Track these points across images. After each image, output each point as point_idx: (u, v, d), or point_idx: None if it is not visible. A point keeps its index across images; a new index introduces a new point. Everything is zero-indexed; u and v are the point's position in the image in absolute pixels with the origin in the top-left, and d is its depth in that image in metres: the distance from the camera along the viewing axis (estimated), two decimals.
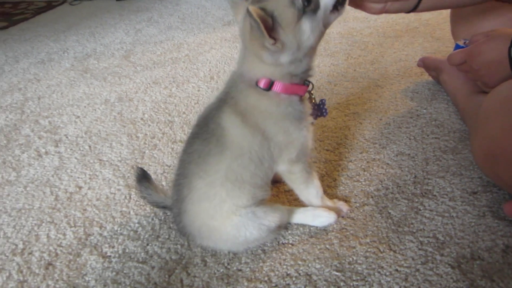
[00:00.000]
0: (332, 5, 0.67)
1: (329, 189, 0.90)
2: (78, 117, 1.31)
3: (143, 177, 0.86)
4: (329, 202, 0.84)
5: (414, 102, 1.19)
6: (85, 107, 1.37)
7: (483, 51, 0.86)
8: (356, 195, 0.88)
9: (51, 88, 1.53)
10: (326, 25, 0.69)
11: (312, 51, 0.70)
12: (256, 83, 0.71)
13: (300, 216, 0.82)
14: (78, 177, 1.02)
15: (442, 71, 1.18)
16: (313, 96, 0.78)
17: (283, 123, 0.73)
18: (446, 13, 1.35)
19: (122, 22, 2.28)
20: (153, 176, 0.99)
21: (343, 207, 0.84)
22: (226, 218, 0.74)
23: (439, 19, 1.76)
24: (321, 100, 0.80)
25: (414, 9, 0.87)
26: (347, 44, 1.62)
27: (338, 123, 1.13)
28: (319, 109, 0.80)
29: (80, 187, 0.99)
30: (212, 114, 0.74)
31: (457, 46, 0.99)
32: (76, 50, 1.90)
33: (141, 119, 1.26)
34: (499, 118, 0.74)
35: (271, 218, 0.76)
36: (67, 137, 1.20)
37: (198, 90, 1.39)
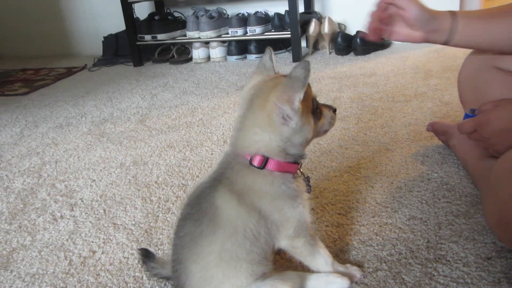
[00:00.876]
0: (326, 130, 0.80)
1: (342, 254, 0.89)
2: (94, 180, 1.34)
3: (147, 257, 0.85)
4: (341, 268, 0.82)
5: (424, 166, 1.20)
6: (100, 170, 1.40)
7: (492, 120, 0.88)
8: (369, 260, 0.87)
9: (68, 152, 1.58)
10: (317, 134, 0.78)
11: (308, 142, 0.77)
12: (250, 162, 0.73)
13: (314, 283, 0.80)
14: (92, 241, 1.03)
15: (451, 136, 1.20)
16: (301, 172, 0.79)
17: (278, 202, 0.74)
18: (454, 78, 1.39)
19: (138, 87, 2.36)
20: (165, 241, 1.00)
21: (357, 272, 0.83)
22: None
23: (447, 85, 1.81)
24: (307, 176, 0.81)
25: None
26: (357, 109, 1.66)
27: (349, 187, 1.14)
28: (307, 184, 0.81)
29: (94, 252, 0.99)
30: (205, 194, 0.73)
31: (466, 116, 1.01)
32: (93, 115, 1.97)
33: (155, 182, 1.28)
34: (510, 185, 0.74)
35: None
36: (82, 201, 1.22)
37: (212, 154, 1.42)
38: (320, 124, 0.77)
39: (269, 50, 0.79)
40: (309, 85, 0.70)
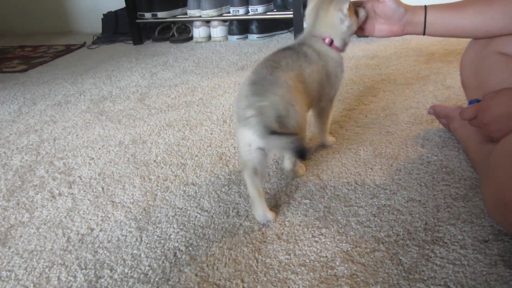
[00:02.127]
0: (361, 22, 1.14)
1: (339, 235, 0.90)
2: (92, 158, 1.33)
3: None
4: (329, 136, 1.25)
5: (424, 149, 1.20)
6: (99, 149, 1.39)
7: (492, 106, 0.89)
8: (366, 241, 0.87)
9: (66, 130, 1.57)
10: (358, 25, 1.13)
11: (349, 38, 1.12)
12: (323, 40, 1.09)
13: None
14: (91, 219, 1.03)
15: (452, 119, 1.19)
16: None
17: (337, 68, 1.10)
18: (457, 62, 1.38)
19: (138, 65, 2.34)
20: (164, 219, 1.00)
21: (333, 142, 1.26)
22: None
23: (450, 68, 1.79)
24: None
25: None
26: (359, 90, 1.65)
27: (348, 168, 1.13)
28: None
29: (92, 229, 0.99)
30: (293, 46, 1.06)
31: (470, 103, 1.01)
32: (92, 93, 1.96)
33: (154, 161, 1.28)
34: (508, 167, 0.74)
35: None
36: (81, 179, 1.22)
37: (211, 133, 1.41)
38: (359, 19, 1.11)
39: None
40: None
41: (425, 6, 1.09)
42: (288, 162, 1.10)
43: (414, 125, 1.34)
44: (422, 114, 1.40)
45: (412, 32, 1.11)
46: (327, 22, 1.09)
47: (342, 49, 1.12)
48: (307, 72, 1.01)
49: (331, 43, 1.09)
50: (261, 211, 0.95)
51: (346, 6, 1.06)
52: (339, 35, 1.10)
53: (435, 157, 1.15)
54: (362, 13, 1.12)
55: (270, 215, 0.95)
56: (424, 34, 1.10)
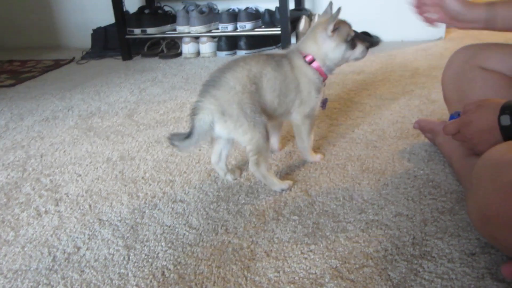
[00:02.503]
0: (357, 58, 1.19)
1: (328, 251, 0.90)
2: (80, 175, 1.32)
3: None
4: (313, 154, 1.26)
5: (411, 163, 1.21)
6: (87, 165, 1.39)
7: (474, 120, 0.90)
8: (355, 257, 0.88)
9: (54, 146, 1.56)
10: (348, 57, 1.17)
11: (333, 64, 1.17)
12: (304, 58, 1.14)
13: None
14: (77, 237, 1.02)
15: (437, 134, 1.21)
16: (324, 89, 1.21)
17: (310, 85, 1.14)
18: (441, 76, 1.40)
19: (127, 81, 2.34)
20: (152, 237, 0.99)
21: (321, 158, 1.27)
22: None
23: (434, 83, 1.82)
24: (326, 98, 1.24)
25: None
26: (346, 106, 1.66)
27: (337, 184, 1.14)
28: (323, 102, 1.23)
29: (79, 248, 0.99)
30: (274, 56, 1.14)
31: (451, 117, 1.03)
32: (80, 109, 1.95)
33: (142, 178, 1.27)
34: (491, 181, 0.75)
35: None
36: (67, 196, 1.21)
37: (200, 150, 1.41)
38: (352, 52, 1.16)
39: (330, 5, 1.18)
40: (349, 25, 1.16)
41: (491, 3, 1.02)
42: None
43: (400, 139, 1.35)
44: (408, 129, 1.41)
45: (474, 28, 1.05)
46: (312, 39, 1.15)
47: (326, 72, 1.16)
48: (268, 77, 1.09)
49: (311, 61, 1.14)
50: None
51: (331, 27, 1.10)
52: (320, 55, 1.14)
53: (422, 171, 1.16)
54: (360, 49, 1.16)
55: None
56: (491, 29, 1.03)
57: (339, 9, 1.10)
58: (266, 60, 1.12)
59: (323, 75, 1.16)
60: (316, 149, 1.33)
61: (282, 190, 1.12)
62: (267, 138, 1.09)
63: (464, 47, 1.17)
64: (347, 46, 1.14)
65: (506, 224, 0.69)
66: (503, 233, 0.70)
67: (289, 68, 1.12)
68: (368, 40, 2.58)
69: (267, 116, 1.10)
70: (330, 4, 1.18)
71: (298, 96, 1.14)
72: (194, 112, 1.07)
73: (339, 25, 1.13)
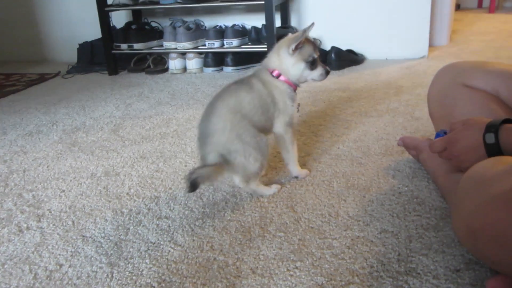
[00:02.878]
0: (314, 79, 1.22)
1: (314, 268, 0.89)
2: (63, 191, 1.31)
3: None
4: (298, 167, 1.27)
5: (396, 179, 1.22)
6: (70, 181, 1.37)
7: (460, 138, 0.93)
8: (341, 273, 0.88)
9: (37, 161, 1.54)
10: (306, 77, 1.21)
11: (295, 79, 1.21)
12: (271, 73, 1.19)
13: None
14: (59, 254, 1.01)
15: (421, 151, 1.22)
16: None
17: (283, 96, 1.19)
18: (424, 94, 1.42)
19: (113, 96, 2.33)
20: (136, 254, 0.98)
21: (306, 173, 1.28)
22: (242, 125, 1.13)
23: (418, 100, 1.84)
24: (298, 103, 1.25)
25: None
26: (331, 122, 1.67)
27: (322, 201, 1.14)
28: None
29: (61, 265, 0.97)
30: (243, 78, 1.21)
31: (437, 135, 1.05)
32: (65, 123, 1.93)
33: (127, 194, 1.26)
34: (476, 195, 0.76)
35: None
36: (50, 212, 1.19)
37: (185, 166, 1.41)
38: (311, 72, 1.20)
39: (311, 26, 1.21)
40: (314, 46, 1.20)
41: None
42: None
43: (385, 156, 1.36)
44: (392, 146, 1.43)
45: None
46: (275, 54, 1.21)
47: (294, 84, 1.21)
48: (246, 101, 1.14)
49: (279, 75, 1.19)
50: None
51: (293, 46, 1.15)
52: (283, 69, 1.19)
53: (406, 188, 1.17)
54: (319, 71, 1.21)
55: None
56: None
57: (305, 30, 1.15)
58: (238, 87, 1.18)
59: (293, 86, 1.21)
60: (302, 165, 1.33)
61: (276, 191, 1.20)
62: (267, 155, 1.16)
63: (449, 65, 1.20)
64: (306, 66, 1.18)
65: (492, 238, 0.69)
66: (489, 247, 0.71)
67: (261, 86, 1.17)
68: (353, 58, 2.62)
69: (264, 133, 1.17)
70: (312, 24, 1.21)
71: (276, 108, 1.18)
72: (204, 163, 1.13)
73: (303, 45, 1.17)
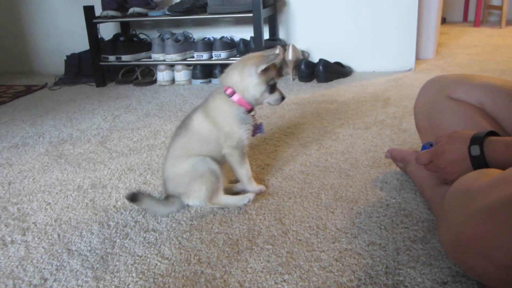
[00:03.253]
0: (270, 103, 1.21)
1: (301, 281, 0.89)
2: (49, 204, 1.29)
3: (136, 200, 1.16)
4: (253, 184, 1.25)
5: (383, 192, 1.22)
6: (57, 193, 1.35)
7: (446, 151, 0.94)
8: (329, 286, 0.87)
9: (23, 173, 1.52)
10: (263, 99, 1.19)
11: (252, 99, 1.18)
12: (225, 91, 1.18)
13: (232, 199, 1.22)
14: (44, 268, 0.99)
15: (408, 163, 1.23)
16: (255, 117, 1.23)
17: (230, 120, 1.18)
18: (411, 106, 1.44)
19: (100, 108, 2.32)
20: (122, 267, 0.97)
21: (263, 188, 1.27)
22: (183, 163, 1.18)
23: (405, 112, 1.86)
24: (261, 123, 1.25)
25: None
26: (319, 135, 1.68)
27: (310, 213, 1.14)
28: (258, 128, 1.24)
29: (46, 279, 0.95)
30: (190, 113, 1.24)
31: (423, 147, 1.06)
32: (52, 135, 1.92)
33: (114, 206, 1.25)
34: (462, 208, 0.77)
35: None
36: (35, 225, 1.18)
37: None
38: (269, 95, 1.18)
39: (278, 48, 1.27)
40: (277, 69, 1.18)
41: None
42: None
43: (373, 168, 1.37)
44: (380, 158, 1.44)
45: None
46: (238, 70, 1.18)
47: (249, 103, 1.19)
48: (196, 123, 1.19)
49: (232, 94, 1.17)
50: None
51: (262, 67, 1.13)
52: (240, 87, 1.17)
53: (394, 200, 1.17)
54: (276, 96, 1.20)
55: None
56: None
57: (277, 54, 1.15)
58: (179, 131, 1.22)
59: (246, 106, 1.18)
60: (290, 177, 1.34)
61: (248, 201, 1.20)
62: (216, 175, 1.18)
63: (435, 78, 1.21)
64: (267, 88, 1.17)
65: (478, 251, 0.70)
66: (475, 260, 0.71)
67: (200, 121, 1.19)
68: (341, 70, 2.64)
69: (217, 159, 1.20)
70: (281, 50, 1.20)
71: (221, 133, 1.18)
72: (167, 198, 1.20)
73: (269, 67, 1.15)
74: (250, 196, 1.20)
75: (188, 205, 1.21)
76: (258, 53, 1.21)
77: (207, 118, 1.18)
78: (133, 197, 1.14)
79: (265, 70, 1.14)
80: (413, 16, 2.61)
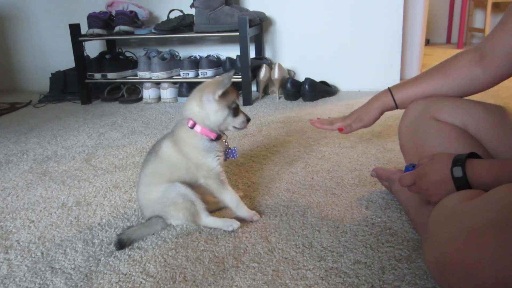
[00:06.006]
0: (236, 127, 1.18)
1: None
2: (33, 221, 1.27)
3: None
4: (244, 210, 1.20)
5: (369, 210, 1.23)
6: (40, 211, 1.34)
7: (428, 172, 0.95)
8: None
9: (6, 191, 1.50)
10: (228, 124, 1.16)
11: (215, 127, 1.16)
12: (187, 123, 1.16)
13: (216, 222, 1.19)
14: (27, 287, 0.97)
15: (394, 182, 1.24)
16: (226, 143, 1.22)
17: (195, 151, 1.17)
18: (396, 126, 1.46)
19: (85, 125, 2.31)
20: (106, 286, 0.96)
21: (255, 216, 1.21)
22: (154, 190, 1.18)
23: (390, 132, 1.89)
24: (234, 147, 1.23)
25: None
26: (305, 153, 1.69)
27: (296, 231, 1.14)
28: (230, 153, 1.22)
29: None
30: (159, 141, 1.23)
31: (406, 169, 1.07)
32: (36, 153, 1.90)
33: (99, 224, 1.24)
34: (446, 229, 0.78)
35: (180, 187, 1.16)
36: (18, 243, 1.16)
37: None
38: (233, 119, 1.16)
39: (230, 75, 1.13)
40: (236, 92, 1.17)
41: (389, 89, 1.26)
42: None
43: (358, 187, 1.38)
44: (365, 176, 1.45)
45: (389, 110, 1.28)
46: (196, 100, 1.16)
47: (213, 131, 1.16)
48: (165, 150, 1.19)
49: (193, 125, 1.16)
50: None
51: (218, 92, 1.11)
52: (200, 116, 1.15)
53: (379, 219, 1.18)
54: (240, 119, 1.17)
55: None
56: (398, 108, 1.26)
57: (230, 76, 1.11)
58: (149, 157, 1.22)
59: (211, 135, 1.16)
60: (276, 195, 1.34)
61: (232, 230, 1.16)
62: (189, 200, 1.17)
63: (419, 99, 1.23)
64: (230, 112, 1.14)
65: (462, 272, 0.71)
66: (459, 280, 0.72)
67: (169, 149, 1.18)
68: (327, 90, 2.67)
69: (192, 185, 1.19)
70: (232, 71, 1.19)
71: (190, 163, 1.17)
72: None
73: (227, 91, 1.13)
74: (234, 225, 1.16)
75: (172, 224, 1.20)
76: (213, 79, 1.21)
77: (175, 147, 1.17)
78: (121, 243, 1.10)
79: (223, 95, 1.12)
80: (398, 37, 2.66)
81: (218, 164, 1.18)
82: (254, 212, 1.22)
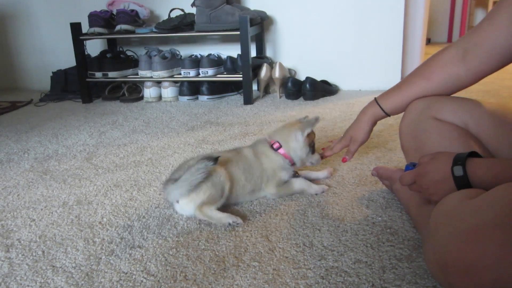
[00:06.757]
0: (313, 163, 1.38)
1: None
2: (34, 220, 1.28)
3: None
4: (313, 185, 1.36)
5: (369, 209, 1.23)
6: (41, 210, 1.34)
7: (429, 172, 0.95)
8: None
9: (7, 190, 1.50)
10: (307, 159, 1.36)
11: (302, 160, 1.35)
12: (271, 145, 1.34)
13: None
14: (28, 285, 0.98)
15: (394, 181, 1.24)
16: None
17: (275, 167, 1.32)
18: (396, 125, 1.45)
19: (86, 124, 2.31)
20: (107, 284, 0.96)
21: (325, 187, 1.38)
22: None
23: (391, 131, 1.89)
24: (298, 175, 1.40)
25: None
26: None
27: (297, 230, 1.14)
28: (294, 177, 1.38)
29: None
30: (241, 149, 1.37)
31: (407, 168, 1.07)
32: (37, 151, 1.90)
33: (99, 223, 1.24)
34: (447, 228, 0.77)
35: None
36: (19, 242, 1.16)
37: (160, 194, 1.39)
38: (310, 156, 1.36)
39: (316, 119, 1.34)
40: (314, 133, 1.36)
41: (376, 100, 1.27)
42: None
43: (359, 186, 1.38)
44: (366, 176, 1.45)
45: (380, 119, 1.30)
46: (286, 134, 1.34)
47: (293, 161, 1.34)
48: (239, 165, 1.28)
49: (278, 147, 1.32)
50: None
51: (307, 131, 1.31)
52: (290, 148, 1.32)
53: (380, 218, 1.18)
54: (316, 156, 1.37)
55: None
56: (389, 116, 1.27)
57: (317, 119, 1.32)
58: (233, 155, 1.32)
59: (290, 160, 1.33)
60: None
61: (233, 223, 1.18)
62: (223, 190, 1.23)
63: (420, 98, 1.23)
64: (309, 150, 1.33)
65: (463, 271, 0.71)
66: (460, 279, 0.72)
67: (252, 155, 1.32)
68: (327, 89, 2.67)
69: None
70: (319, 118, 1.35)
71: (266, 173, 1.31)
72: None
73: (310, 133, 1.32)
74: (236, 220, 1.19)
75: (176, 212, 1.23)
76: (299, 119, 1.39)
77: (256, 157, 1.32)
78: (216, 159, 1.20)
79: (308, 135, 1.31)
80: (399, 36, 2.66)
81: (287, 179, 1.34)
82: (323, 186, 1.37)
